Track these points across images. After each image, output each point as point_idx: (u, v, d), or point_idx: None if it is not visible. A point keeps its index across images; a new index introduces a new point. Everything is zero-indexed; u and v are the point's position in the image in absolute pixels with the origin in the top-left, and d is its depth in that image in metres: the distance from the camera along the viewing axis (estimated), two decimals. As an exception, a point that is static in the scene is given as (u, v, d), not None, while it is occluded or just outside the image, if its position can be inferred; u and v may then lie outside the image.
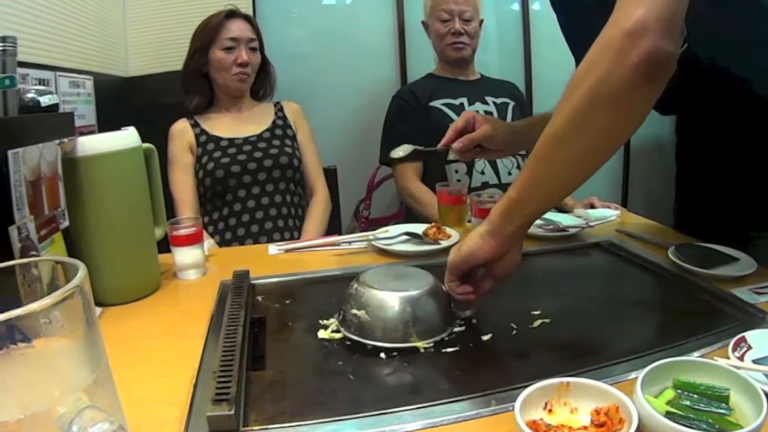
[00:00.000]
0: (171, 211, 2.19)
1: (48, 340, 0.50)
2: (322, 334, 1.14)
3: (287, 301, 1.33)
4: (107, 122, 2.15)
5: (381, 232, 1.74)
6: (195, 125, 2.42)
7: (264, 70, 2.56)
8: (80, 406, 0.48)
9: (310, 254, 1.72)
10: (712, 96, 1.27)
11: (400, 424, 0.84)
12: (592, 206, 2.13)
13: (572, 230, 1.71)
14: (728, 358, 0.91)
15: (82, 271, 0.53)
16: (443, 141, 1.57)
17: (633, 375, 0.91)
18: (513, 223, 1.04)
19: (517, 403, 0.76)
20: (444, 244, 1.62)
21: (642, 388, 0.77)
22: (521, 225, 1.05)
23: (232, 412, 0.83)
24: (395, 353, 1.05)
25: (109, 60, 2.68)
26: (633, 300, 1.30)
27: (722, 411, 0.78)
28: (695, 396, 0.80)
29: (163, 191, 1.59)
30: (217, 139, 2.38)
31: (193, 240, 1.53)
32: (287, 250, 1.75)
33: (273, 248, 1.77)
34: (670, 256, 1.37)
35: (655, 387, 0.82)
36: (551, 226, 1.72)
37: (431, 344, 1.07)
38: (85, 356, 0.54)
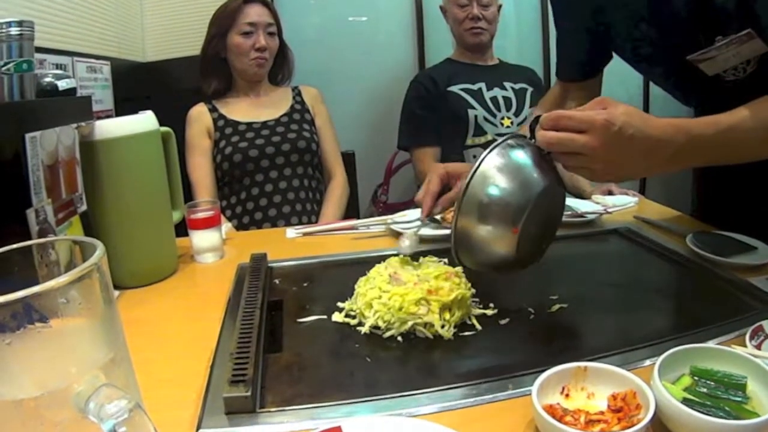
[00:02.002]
0: (189, 195, 2.20)
1: (65, 320, 0.50)
2: (336, 317, 1.14)
3: (305, 284, 1.34)
4: (125, 107, 2.15)
5: (399, 216, 1.73)
6: (213, 110, 2.42)
7: (282, 54, 2.56)
8: (97, 384, 0.48)
9: (327, 238, 1.72)
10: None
11: (416, 407, 0.84)
12: (610, 193, 2.11)
13: (590, 216, 1.70)
14: (745, 346, 0.90)
15: (100, 250, 0.53)
16: (424, 213, 1.36)
17: (649, 361, 0.91)
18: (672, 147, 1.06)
19: (534, 388, 0.76)
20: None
21: (659, 375, 0.76)
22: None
23: (248, 393, 0.83)
24: (412, 336, 1.05)
25: (127, 45, 2.68)
26: (650, 287, 1.29)
27: (739, 399, 0.77)
28: (712, 383, 0.80)
29: (181, 175, 1.59)
30: (234, 124, 2.38)
31: (211, 223, 1.53)
32: (305, 234, 1.75)
33: (291, 231, 1.77)
34: (688, 243, 1.36)
35: (672, 373, 0.81)
36: (569, 212, 1.71)
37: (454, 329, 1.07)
38: (103, 335, 0.54)
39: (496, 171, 1.04)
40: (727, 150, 1.12)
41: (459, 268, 1.19)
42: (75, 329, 0.51)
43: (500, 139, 1.08)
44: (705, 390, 0.79)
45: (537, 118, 1.06)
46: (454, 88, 2.69)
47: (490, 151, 1.05)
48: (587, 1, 1.51)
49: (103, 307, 0.53)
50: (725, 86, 1.28)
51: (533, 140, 1.08)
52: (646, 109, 3.59)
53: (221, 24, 2.39)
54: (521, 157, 1.06)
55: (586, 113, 1.01)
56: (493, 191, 1.03)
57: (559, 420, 0.73)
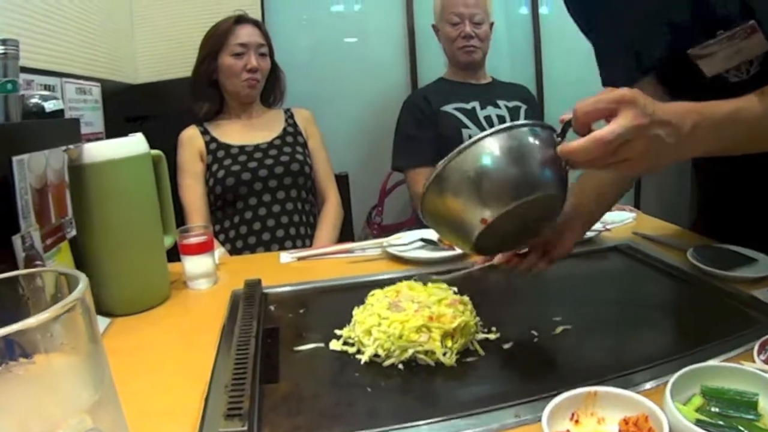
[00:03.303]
0: (181, 220, 2.17)
1: (49, 357, 0.47)
2: (334, 345, 1.11)
3: (301, 311, 1.31)
4: (115, 130, 2.12)
5: (394, 238, 1.71)
6: (205, 132, 2.39)
7: (274, 76, 2.54)
8: (83, 430, 0.45)
9: (323, 262, 1.70)
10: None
11: (420, 439, 0.81)
12: (607, 209, 2.09)
13: (589, 234, 1.67)
14: (753, 361, 0.88)
15: (83, 283, 0.49)
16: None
17: (654, 382, 0.89)
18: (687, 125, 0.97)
19: (544, 416, 0.73)
20: (459, 250, 1.58)
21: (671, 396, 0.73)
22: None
23: (245, 428, 0.80)
24: (414, 364, 1.02)
25: (117, 66, 2.66)
26: (653, 304, 1.27)
27: (751, 417, 0.75)
28: (724, 402, 0.78)
29: (173, 199, 1.56)
30: (227, 147, 2.35)
31: (204, 248, 1.50)
32: (299, 258, 1.72)
33: (285, 256, 1.75)
34: (689, 258, 1.35)
35: (683, 394, 0.79)
36: (568, 231, 1.69)
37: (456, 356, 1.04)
38: (89, 374, 0.51)
39: (505, 149, 0.93)
40: (739, 132, 1.07)
41: (466, 297, 1.16)
42: (59, 368, 0.47)
43: (532, 121, 0.98)
44: (717, 410, 0.77)
45: (567, 124, 0.97)
46: (448, 108, 2.67)
47: (513, 127, 0.95)
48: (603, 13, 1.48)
49: (88, 344, 0.50)
50: (728, 89, 1.26)
51: (560, 140, 0.97)
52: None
53: (212, 45, 2.37)
54: (539, 148, 0.95)
55: (609, 94, 0.92)
56: (487, 169, 0.93)
57: (570, 449, 0.70)
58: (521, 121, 0.99)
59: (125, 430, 0.56)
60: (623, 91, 0.92)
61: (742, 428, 0.73)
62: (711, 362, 0.85)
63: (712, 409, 0.77)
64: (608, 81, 1.61)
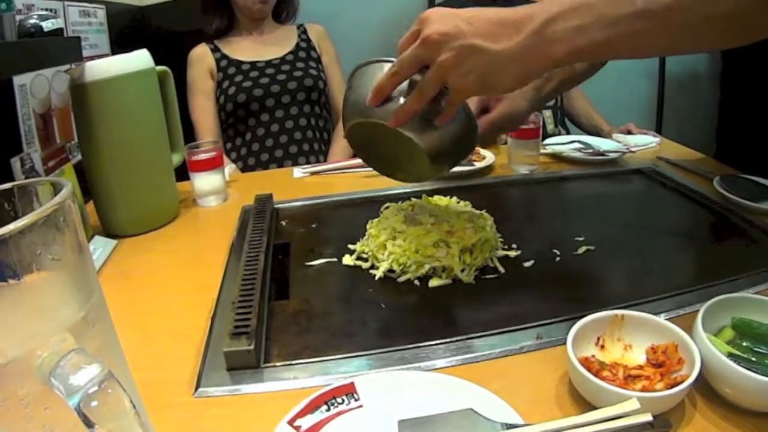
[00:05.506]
0: (192, 140, 2.13)
1: (35, 275, 0.42)
2: (347, 260, 1.08)
3: (313, 225, 1.28)
4: (122, 53, 2.07)
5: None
6: (215, 50, 2.33)
7: (286, -10, 2.45)
8: (64, 350, 0.40)
9: (337, 177, 1.66)
10: None
11: (434, 360, 0.78)
12: (630, 132, 2.03)
13: (612, 155, 1.63)
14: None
15: (66, 189, 0.44)
16: None
17: (681, 311, 0.86)
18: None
19: (570, 338, 0.69)
20: (479, 165, 1.55)
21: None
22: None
23: (251, 346, 0.77)
24: (430, 277, 0.99)
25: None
26: (679, 230, 1.23)
27: (783, 355, 0.70)
28: (755, 337, 0.73)
29: (182, 118, 1.52)
30: (238, 63, 2.30)
31: (213, 164, 1.46)
32: (313, 173, 1.69)
33: (298, 171, 1.72)
34: (716, 186, 1.29)
35: (713, 325, 0.74)
36: (591, 150, 1.65)
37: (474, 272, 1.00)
38: (72, 289, 0.46)
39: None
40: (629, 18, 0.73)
41: (486, 213, 1.13)
42: (39, 283, 0.42)
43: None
44: (748, 344, 0.72)
45: None
46: (467, 23, 2.58)
47: None
48: None
49: (72, 257, 0.45)
50: None
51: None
52: (662, 81, 3.44)
53: (222, -41, 2.28)
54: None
55: None
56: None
57: (596, 374, 0.66)
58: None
59: (117, 352, 0.52)
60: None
61: (772, 366, 0.68)
62: (744, 293, 0.80)
63: (743, 344, 0.72)
64: None
